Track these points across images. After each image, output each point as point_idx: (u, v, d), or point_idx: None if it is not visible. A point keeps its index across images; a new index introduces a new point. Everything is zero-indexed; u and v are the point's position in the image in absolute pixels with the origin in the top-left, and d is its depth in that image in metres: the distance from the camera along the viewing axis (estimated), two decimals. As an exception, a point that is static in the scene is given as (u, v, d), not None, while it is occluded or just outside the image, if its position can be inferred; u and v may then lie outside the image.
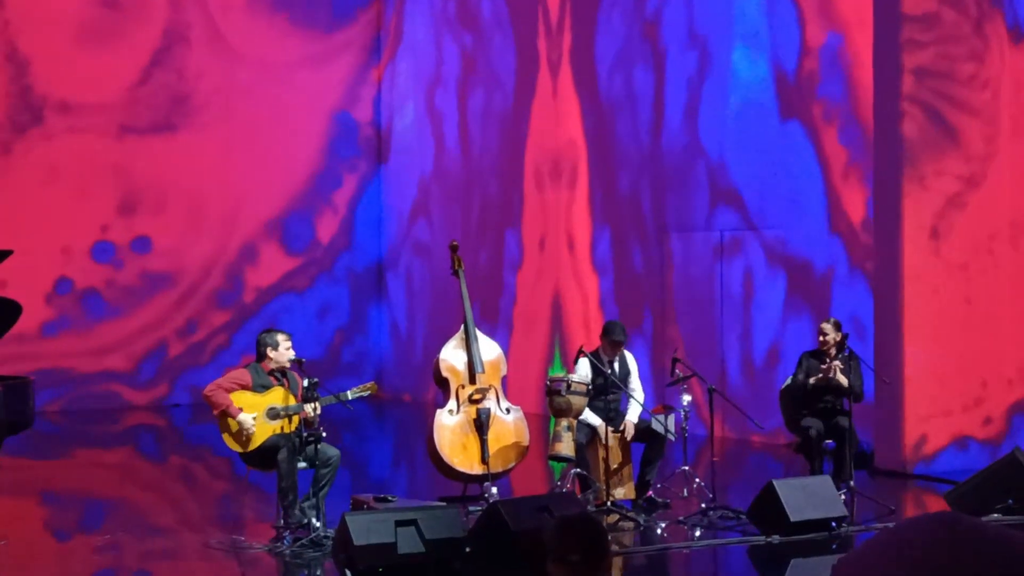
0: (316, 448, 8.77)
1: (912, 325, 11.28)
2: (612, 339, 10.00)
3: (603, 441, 9.73)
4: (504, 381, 10.24)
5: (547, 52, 15.77)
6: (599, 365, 9.86)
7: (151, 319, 17.47)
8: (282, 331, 9.22)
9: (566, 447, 9.58)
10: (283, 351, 9.05)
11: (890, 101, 11.42)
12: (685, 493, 10.11)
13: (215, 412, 8.94)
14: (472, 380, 10.01)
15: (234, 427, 8.88)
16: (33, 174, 16.83)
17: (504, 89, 16.45)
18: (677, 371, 10.11)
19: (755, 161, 13.27)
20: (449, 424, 9.89)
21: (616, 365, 10.02)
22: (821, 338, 10.14)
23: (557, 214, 15.68)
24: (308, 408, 8.78)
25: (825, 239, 12.68)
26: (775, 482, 8.86)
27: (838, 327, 10.16)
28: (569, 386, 9.63)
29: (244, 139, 17.78)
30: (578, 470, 9.68)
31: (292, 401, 8.97)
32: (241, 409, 8.86)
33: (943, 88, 11.42)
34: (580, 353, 10.01)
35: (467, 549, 8.02)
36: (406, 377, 17.95)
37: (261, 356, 9.09)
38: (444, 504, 8.91)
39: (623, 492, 9.86)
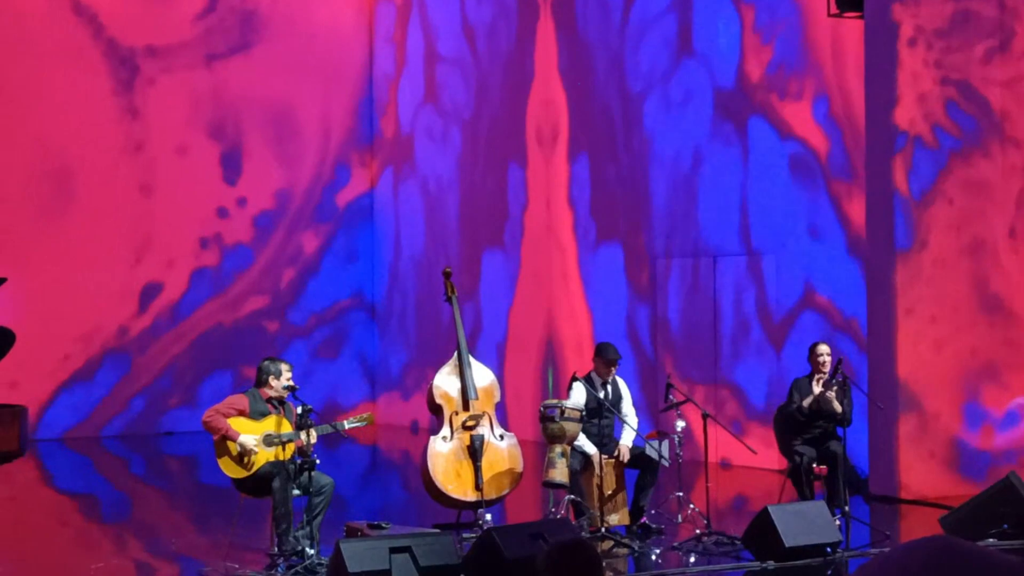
0: (310, 476, 8.75)
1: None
2: (606, 358, 9.99)
3: (597, 469, 9.71)
4: (498, 408, 10.22)
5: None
6: (592, 390, 9.85)
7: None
8: (285, 361, 9.22)
9: (560, 473, 9.55)
10: (283, 381, 9.04)
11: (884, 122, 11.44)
12: (679, 519, 10.08)
13: (215, 437, 8.92)
14: (466, 407, 9.99)
15: (234, 451, 8.86)
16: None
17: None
18: (671, 396, 10.09)
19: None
20: (443, 451, 9.86)
21: (609, 389, 10.01)
22: (818, 359, 10.09)
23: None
24: (303, 436, 8.77)
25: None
26: (770, 508, 8.83)
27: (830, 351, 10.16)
28: (563, 412, 9.62)
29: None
30: (572, 496, 9.65)
31: (287, 428, 8.95)
32: (240, 432, 8.85)
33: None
34: (574, 379, 10.00)
35: (461, 576, 8.00)
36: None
37: (261, 383, 9.08)
38: (438, 531, 8.88)
39: (617, 518, 9.83)
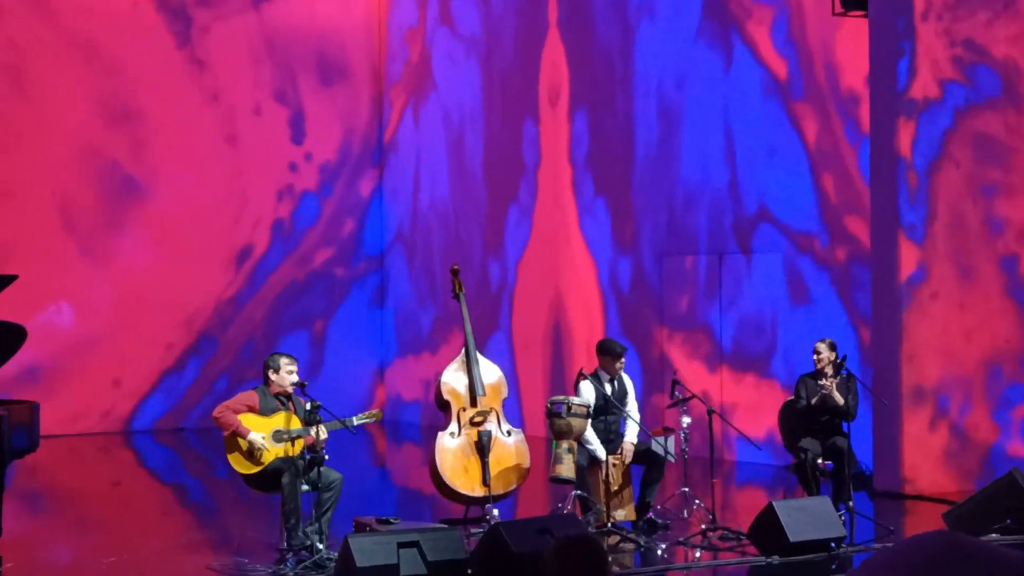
0: (319, 471, 8.75)
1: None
2: (613, 353, 10.00)
3: (604, 465, 9.72)
4: (505, 404, 10.23)
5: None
6: (598, 386, 9.85)
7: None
8: (287, 355, 9.18)
9: (567, 469, 9.55)
10: (284, 375, 9.02)
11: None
12: (685, 514, 10.08)
13: (225, 433, 8.92)
14: (473, 403, 10.00)
15: (244, 447, 8.86)
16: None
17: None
18: (677, 393, 10.09)
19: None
20: (451, 447, 9.87)
21: (615, 384, 10.01)
22: (815, 357, 10.12)
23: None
24: (313, 432, 8.78)
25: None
26: (775, 503, 8.84)
27: (832, 347, 10.14)
28: (569, 408, 9.62)
29: None
30: (579, 492, 9.66)
31: (296, 424, 8.95)
32: (250, 429, 8.85)
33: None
34: (580, 376, 10.00)
35: (469, 571, 8.00)
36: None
37: (265, 378, 9.08)
38: (446, 526, 8.88)
39: (623, 514, 9.83)
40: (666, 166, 14.52)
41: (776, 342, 13.26)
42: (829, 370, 10.01)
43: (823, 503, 9.14)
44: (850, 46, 12.37)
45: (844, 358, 9.97)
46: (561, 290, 15.89)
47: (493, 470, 9.80)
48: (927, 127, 11.35)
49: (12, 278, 9.08)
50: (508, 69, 16.81)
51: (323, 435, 8.80)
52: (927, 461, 11.32)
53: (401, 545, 7.86)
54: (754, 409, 13.21)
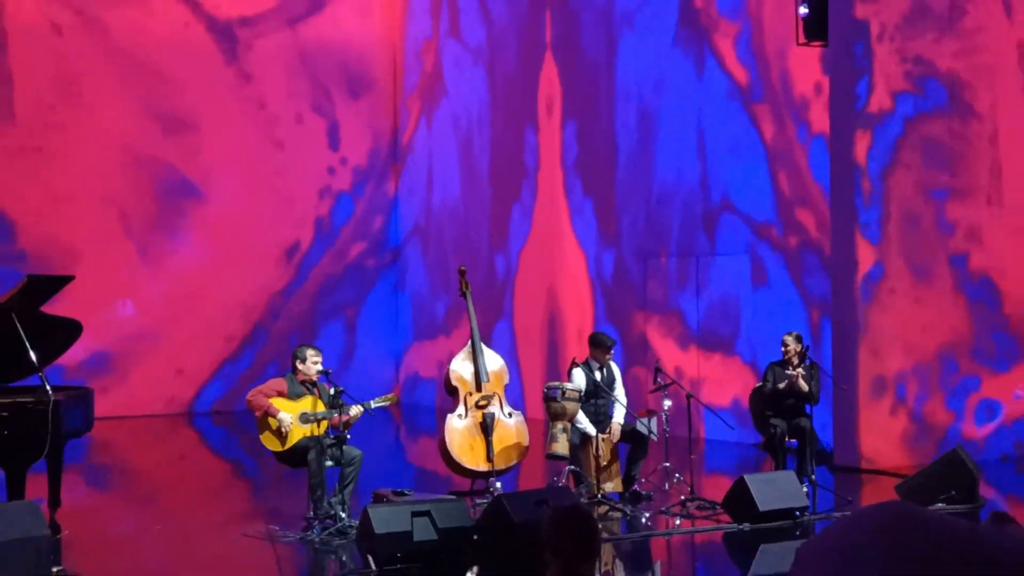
0: (342, 449, 8.86)
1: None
2: (605, 346, 10.09)
3: (594, 443, 9.81)
4: (507, 389, 10.32)
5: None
6: (589, 374, 9.95)
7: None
8: (313, 347, 9.29)
9: (561, 447, 9.67)
10: (310, 365, 9.12)
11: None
12: (666, 487, 10.17)
13: (257, 414, 9.03)
14: (478, 388, 10.10)
15: (274, 425, 8.97)
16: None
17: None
18: (659, 379, 10.18)
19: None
20: (458, 427, 9.98)
21: (604, 372, 10.10)
22: (783, 348, 10.22)
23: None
24: (350, 412, 8.88)
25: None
26: (746, 477, 8.96)
27: (799, 339, 10.24)
28: (564, 393, 9.73)
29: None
30: (572, 467, 9.76)
31: (321, 408, 9.05)
32: (280, 410, 8.96)
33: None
34: (573, 364, 10.10)
35: (475, 537, 8.07)
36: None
37: (293, 367, 9.17)
38: (454, 497, 8.97)
39: (612, 486, 9.93)
40: (644, 166, 14.67)
41: (740, 325, 13.42)
42: (795, 360, 10.11)
43: (788, 476, 9.26)
44: (802, 56, 12.52)
45: (808, 348, 10.08)
46: (556, 283, 15.99)
47: (496, 448, 9.91)
48: (881, 135, 11.45)
49: (68, 279, 9.12)
50: (510, 81, 16.92)
51: (355, 413, 8.91)
52: (888, 445, 11.38)
53: (414, 514, 7.92)
54: (721, 383, 13.41)
